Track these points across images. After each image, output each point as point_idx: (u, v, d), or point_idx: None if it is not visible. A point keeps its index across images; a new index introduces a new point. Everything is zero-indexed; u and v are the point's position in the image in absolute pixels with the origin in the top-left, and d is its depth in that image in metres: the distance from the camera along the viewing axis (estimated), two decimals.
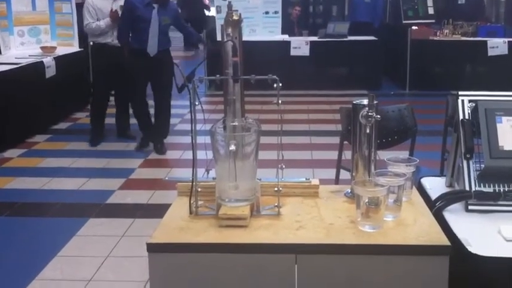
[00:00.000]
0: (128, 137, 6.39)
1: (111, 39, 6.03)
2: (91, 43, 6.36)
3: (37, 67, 6.59)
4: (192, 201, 1.88)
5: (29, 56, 6.94)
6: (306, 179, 2.07)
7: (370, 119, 1.91)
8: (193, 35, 6.73)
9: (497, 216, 1.91)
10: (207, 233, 1.77)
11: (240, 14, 1.87)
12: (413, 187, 2.06)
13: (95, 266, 3.55)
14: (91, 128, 6.34)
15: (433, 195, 2.08)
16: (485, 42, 8.85)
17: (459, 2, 9.87)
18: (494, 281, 1.69)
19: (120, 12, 5.89)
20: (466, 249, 1.70)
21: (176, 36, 7.79)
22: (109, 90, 6.43)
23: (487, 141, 1.96)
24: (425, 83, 8.95)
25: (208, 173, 1.94)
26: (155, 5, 5.59)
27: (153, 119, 6.05)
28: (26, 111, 6.19)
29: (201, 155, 1.84)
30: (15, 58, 6.76)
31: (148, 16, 5.57)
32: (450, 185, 2.19)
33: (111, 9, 5.96)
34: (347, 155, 2.85)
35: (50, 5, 7.59)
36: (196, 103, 1.81)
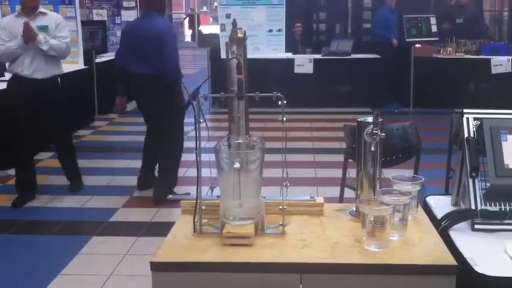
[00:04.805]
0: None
1: (27, 69, 4.85)
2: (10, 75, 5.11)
3: None
4: (196, 220, 1.87)
5: None
6: (311, 197, 2.06)
7: (375, 136, 1.90)
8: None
9: (504, 235, 1.89)
10: (211, 251, 1.76)
11: (245, 32, 1.87)
12: (419, 206, 2.05)
13: (97, 284, 3.53)
14: (15, 182, 5.13)
15: (439, 214, 2.06)
16: (489, 60, 8.87)
17: (457, 21, 9.91)
18: None
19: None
20: (473, 268, 1.69)
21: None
22: (36, 137, 5.22)
23: (492, 160, 1.94)
24: (428, 100, 8.97)
25: (212, 191, 1.93)
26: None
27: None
28: None
29: (205, 172, 1.83)
30: None
31: None
32: (456, 204, 2.17)
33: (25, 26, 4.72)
34: (351, 173, 2.85)
35: None
36: (201, 120, 1.80)
